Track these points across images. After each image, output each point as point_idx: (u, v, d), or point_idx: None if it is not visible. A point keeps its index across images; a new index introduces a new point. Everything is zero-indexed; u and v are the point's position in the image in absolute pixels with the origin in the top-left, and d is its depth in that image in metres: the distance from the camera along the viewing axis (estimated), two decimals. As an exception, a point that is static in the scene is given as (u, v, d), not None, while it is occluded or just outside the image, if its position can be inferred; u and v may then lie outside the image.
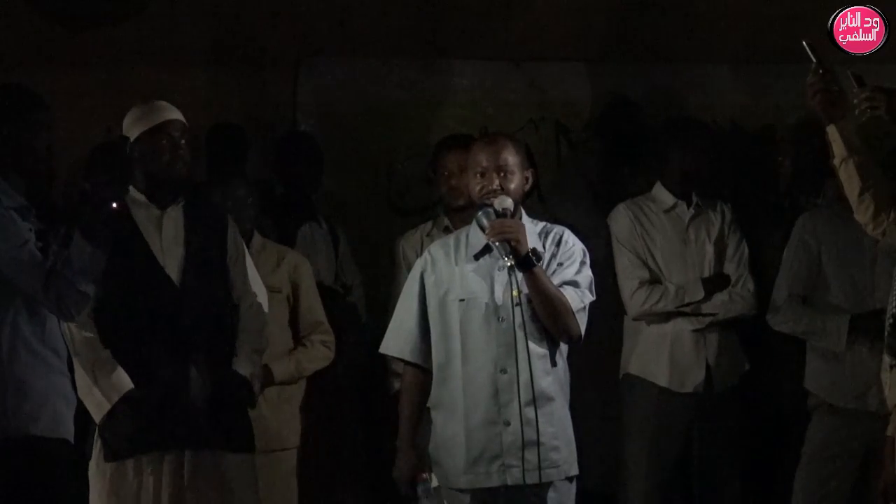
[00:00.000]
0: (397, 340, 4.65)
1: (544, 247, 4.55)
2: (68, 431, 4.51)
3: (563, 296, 4.45)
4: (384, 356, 5.93)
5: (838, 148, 4.52)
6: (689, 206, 5.93)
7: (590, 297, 4.55)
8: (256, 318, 5.10)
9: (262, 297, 5.16)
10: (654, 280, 5.85)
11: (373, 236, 6.74)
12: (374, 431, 6.31)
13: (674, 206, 5.93)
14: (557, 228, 4.62)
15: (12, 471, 4.36)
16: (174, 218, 4.94)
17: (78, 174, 6.00)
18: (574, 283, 4.50)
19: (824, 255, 5.61)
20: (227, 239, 5.07)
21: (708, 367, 5.81)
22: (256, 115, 6.68)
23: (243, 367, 4.98)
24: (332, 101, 6.81)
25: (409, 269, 5.71)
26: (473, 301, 4.51)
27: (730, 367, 5.84)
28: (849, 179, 4.55)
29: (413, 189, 6.80)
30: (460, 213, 5.60)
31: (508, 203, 4.48)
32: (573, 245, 4.59)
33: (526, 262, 4.39)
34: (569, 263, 4.54)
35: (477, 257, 4.55)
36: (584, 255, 4.59)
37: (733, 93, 6.83)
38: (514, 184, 4.54)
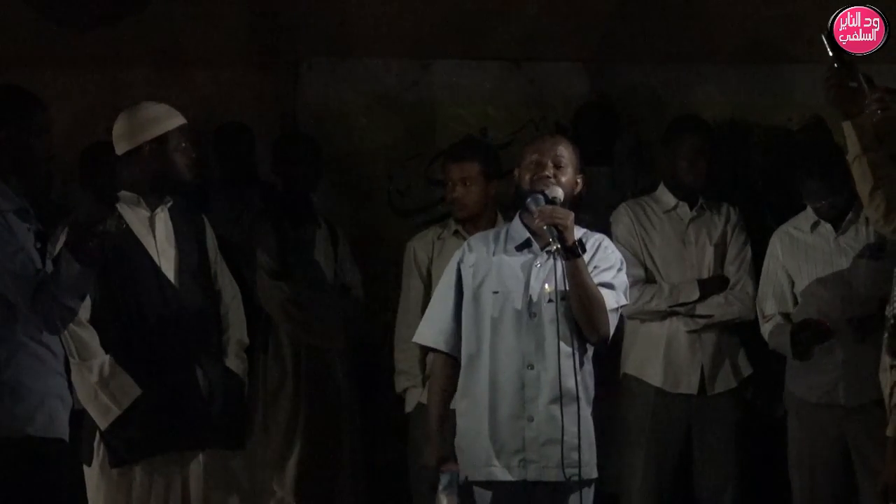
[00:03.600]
0: (433, 330, 4.64)
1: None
2: (64, 431, 4.51)
3: (600, 293, 4.48)
4: (385, 356, 5.97)
5: (852, 144, 4.51)
6: (692, 207, 5.92)
7: (624, 301, 4.58)
8: (238, 314, 5.12)
9: (238, 295, 5.17)
10: (650, 279, 5.85)
11: (373, 236, 6.74)
12: (374, 431, 6.31)
13: (675, 207, 5.92)
14: (597, 235, 4.64)
15: (8, 470, 4.36)
16: (163, 219, 4.94)
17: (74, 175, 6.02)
18: (610, 286, 4.53)
19: (792, 272, 5.70)
20: (206, 238, 5.07)
21: (703, 368, 5.80)
22: (256, 115, 6.67)
23: (235, 363, 5.01)
24: (332, 101, 6.81)
25: (419, 270, 5.76)
26: (507, 294, 4.52)
27: (727, 370, 5.83)
28: (861, 176, 4.54)
29: (413, 189, 6.80)
30: (472, 220, 5.63)
31: (559, 192, 4.49)
32: (612, 252, 4.61)
33: (572, 250, 4.41)
34: (606, 267, 4.56)
35: (518, 249, 4.56)
36: (622, 263, 4.62)
37: (732, 93, 6.83)
38: (565, 178, 4.55)
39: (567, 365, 4.45)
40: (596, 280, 4.51)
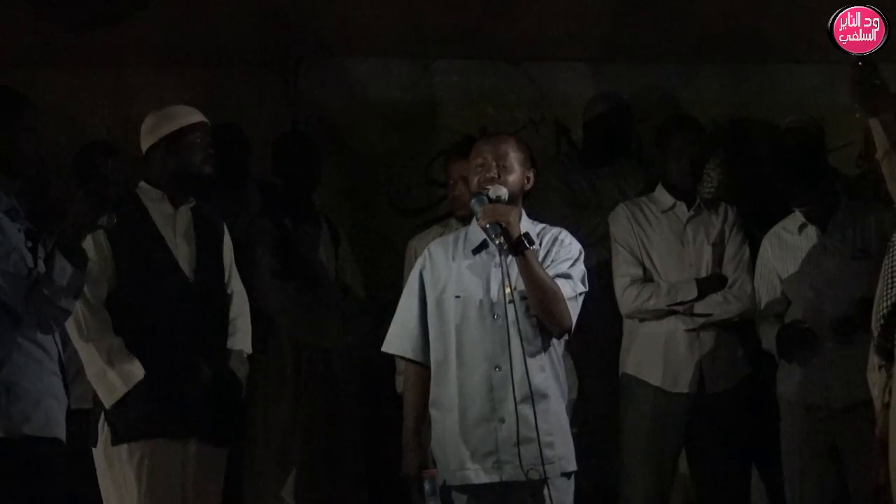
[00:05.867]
0: (400, 339, 4.67)
1: (541, 244, 4.58)
2: (60, 431, 4.52)
3: (555, 283, 4.48)
4: (386, 356, 5.97)
5: (880, 141, 4.51)
6: (689, 206, 5.92)
7: (581, 288, 4.57)
8: (245, 322, 5.26)
9: (246, 302, 5.31)
10: (648, 278, 5.85)
11: (373, 236, 6.75)
12: (374, 431, 6.31)
13: (672, 207, 5.93)
14: (555, 229, 4.66)
15: (5, 470, 4.36)
16: (185, 216, 5.12)
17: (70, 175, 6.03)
18: (567, 276, 4.53)
19: (781, 274, 5.73)
20: (224, 243, 5.24)
21: (701, 367, 5.81)
22: (256, 115, 6.67)
23: (236, 367, 5.13)
24: (332, 101, 6.82)
25: (420, 269, 5.77)
26: (469, 298, 4.53)
27: (725, 369, 5.83)
28: (891, 172, 4.54)
29: (413, 189, 6.80)
30: (467, 221, 5.63)
31: (503, 192, 4.51)
32: (570, 243, 4.62)
33: (518, 245, 4.41)
34: (564, 259, 4.57)
35: (475, 252, 4.57)
36: (580, 254, 4.62)
37: (732, 93, 6.83)
38: (512, 177, 4.56)
39: (534, 363, 4.46)
40: (553, 271, 4.52)
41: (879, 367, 4.67)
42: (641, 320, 5.84)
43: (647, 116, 6.75)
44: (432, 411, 4.59)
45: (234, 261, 5.28)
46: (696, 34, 6.82)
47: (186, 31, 6.75)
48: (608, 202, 6.25)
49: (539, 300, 4.45)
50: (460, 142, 6.09)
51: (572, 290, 4.52)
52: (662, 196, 5.95)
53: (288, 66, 6.82)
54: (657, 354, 5.82)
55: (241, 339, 5.20)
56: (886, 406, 4.69)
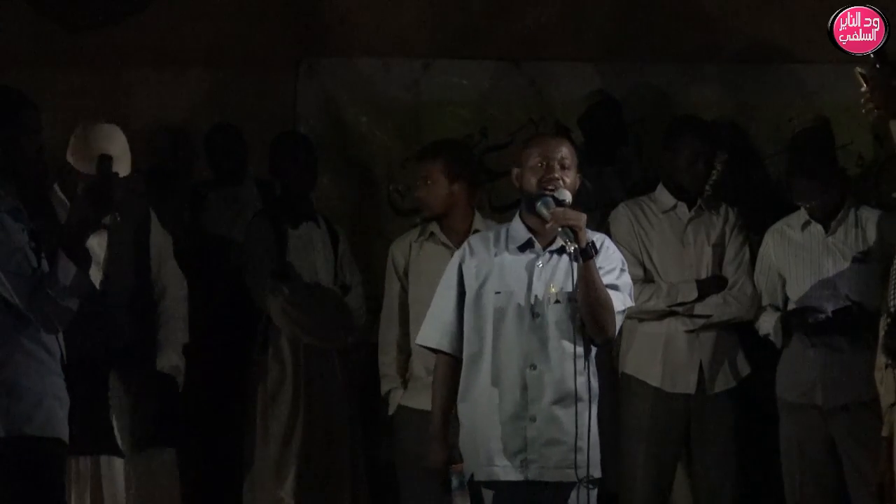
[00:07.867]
0: (435, 332, 4.65)
1: None
2: (62, 431, 4.52)
3: (609, 294, 4.48)
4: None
5: None
6: (690, 207, 5.91)
7: (630, 303, 4.58)
8: (178, 311, 5.21)
9: (184, 291, 5.26)
10: (648, 279, 5.85)
11: (373, 236, 6.74)
12: (373, 431, 6.31)
13: (673, 207, 5.92)
14: (598, 235, 4.63)
15: (6, 470, 4.36)
16: None
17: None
18: (615, 287, 4.52)
19: (781, 269, 5.75)
20: (150, 233, 5.16)
21: (701, 368, 5.80)
22: (256, 115, 6.67)
23: (168, 361, 5.07)
24: (332, 101, 6.82)
25: (396, 273, 5.76)
26: (509, 294, 4.52)
27: (725, 370, 5.83)
28: None
29: (413, 189, 6.79)
30: (445, 220, 5.62)
31: (567, 196, 4.49)
32: (613, 252, 4.61)
33: (587, 251, 4.40)
34: (609, 268, 4.55)
35: (521, 249, 4.56)
36: (623, 263, 4.62)
37: (732, 93, 6.83)
38: (570, 179, 4.56)
39: (571, 366, 4.45)
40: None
41: (886, 367, 4.68)
42: (641, 321, 5.84)
43: (646, 116, 6.75)
44: (460, 405, 4.58)
45: (169, 251, 5.22)
46: (696, 34, 6.82)
47: (186, 31, 6.75)
48: (612, 201, 6.25)
49: (591, 307, 4.43)
50: (430, 143, 6.05)
51: (622, 303, 4.52)
52: (663, 196, 5.95)
53: (288, 66, 6.82)
54: (657, 355, 5.82)
55: (172, 332, 5.17)
56: (893, 405, 4.70)
